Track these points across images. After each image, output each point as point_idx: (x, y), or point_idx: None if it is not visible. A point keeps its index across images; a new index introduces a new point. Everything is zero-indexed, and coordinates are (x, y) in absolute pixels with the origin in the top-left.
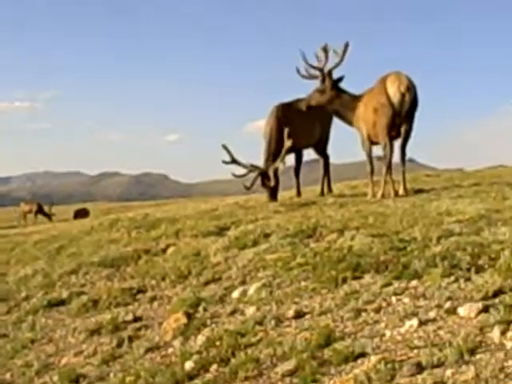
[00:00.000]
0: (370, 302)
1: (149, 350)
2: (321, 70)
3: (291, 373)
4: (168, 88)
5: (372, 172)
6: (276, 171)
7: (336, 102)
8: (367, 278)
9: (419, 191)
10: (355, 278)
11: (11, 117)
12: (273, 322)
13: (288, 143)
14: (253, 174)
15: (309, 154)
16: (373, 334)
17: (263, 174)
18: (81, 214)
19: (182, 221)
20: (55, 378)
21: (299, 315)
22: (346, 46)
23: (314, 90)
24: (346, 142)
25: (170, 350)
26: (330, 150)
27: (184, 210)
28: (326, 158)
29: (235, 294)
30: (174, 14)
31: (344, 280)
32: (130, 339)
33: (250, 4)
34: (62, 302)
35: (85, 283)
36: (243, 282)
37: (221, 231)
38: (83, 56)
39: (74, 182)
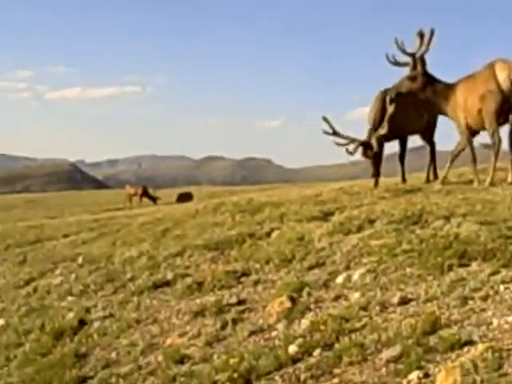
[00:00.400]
0: (476, 289)
1: (252, 332)
2: (413, 55)
3: (396, 359)
4: (273, 74)
5: (475, 160)
6: (380, 141)
7: (428, 89)
8: (474, 266)
9: None
10: (462, 265)
11: (121, 101)
12: (377, 308)
13: (390, 109)
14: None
15: (414, 141)
16: (480, 322)
17: (366, 145)
18: (184, 197)
19: (286, 205)
20: (160, 358)
21: (404, 302)
22: (432, 32)
23: (405, 77)
24: (453, 129)
25: (274, 334)
26: (436, 136)
27: (288, 195)
28: (432, 144)
29: (339, 280)
30: None
31: (450, 267)
32: (234, 322)
33: None
34: (166, 284)
35: (189, 265)
36: (347, 268)
37: (325, 216)
38: (190, 43)
39: (179, 165)
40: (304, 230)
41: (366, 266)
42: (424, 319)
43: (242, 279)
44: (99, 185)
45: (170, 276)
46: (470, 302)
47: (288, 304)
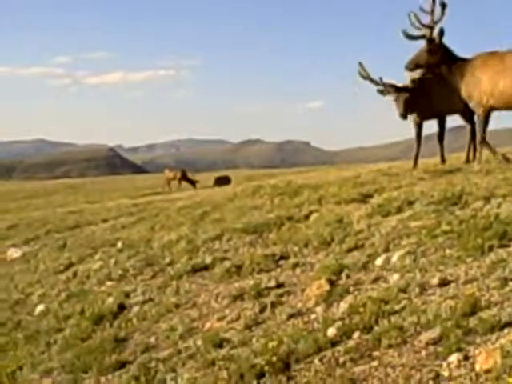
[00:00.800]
0: None
1: (291, 316)
2: (431, 27)
3: (435, 341)
4: (310, 55)
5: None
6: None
7: (445, 64)
8: None
9: None
10: (502, 246)
11: (156, 84)
12: (417, 290)
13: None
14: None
15: (454, 120)
16: None
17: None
18: (222, 181)
19: (325, 188)
20: (199, 342)
21: (444, 283)
22: (443, 5)
23: (422, 49)
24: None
25: (313, 317)
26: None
27: (326, 177)
28: (472, 124)
29: (378, 262)
30: None
31: (490, 248)
32: (273, 305)
33: None
34: (205, 268)
35: (228, 249)
36: (386, 250)
37: (364, 198)
38: (226, 26)
39: (218, 149)
40: (343, 213)
41: (405, 248)
42: (464, 301)
43: (281, 262)
44: (138, 169)
45: (208, 260)
46: (511, 284)
47: (327, 287)
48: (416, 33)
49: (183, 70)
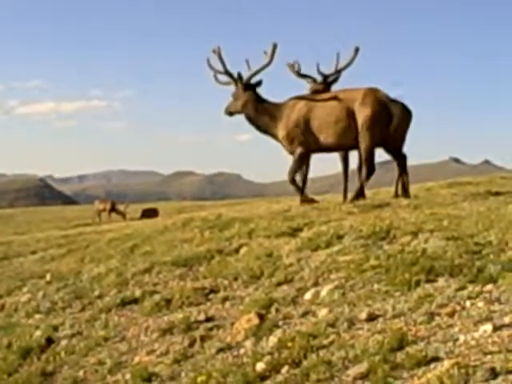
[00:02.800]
0: (443, 305)
1: (220, 350)
2: (226, 72)
3: (363, 376)
4: None
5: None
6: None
7: (251, 107)
8: (441, 282)
9: (496, 194)
10: (429, 281)
11: (88, 115)
12: (345, 325)
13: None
14: None
15: (382, 155)
16: (446, 338)
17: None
18: (149, 213)
19: (255, 221)
20: (128, 377)
21: (372, 318)
22: (275, 46)
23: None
24: (419, 143)
25: (242, 351)
26: (412, 151)
27: (257, 210)
28: (403, 158)
29: (307, 296)
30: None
31: (417, 283)
32: (202, 339)
33: None
34: (134, 301)
35: (158, 282)
36: (316, 284)
37: (294, 232)
38: (157, 56)
39: (149, 180)
40: (272, 246)
41: (334, 282)
42: (391, 335)
43: (211, 296)
44: (68, 200)
45: (138, 293)
46: (437, 318)
47: (256, 321)
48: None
49: (116, 101)
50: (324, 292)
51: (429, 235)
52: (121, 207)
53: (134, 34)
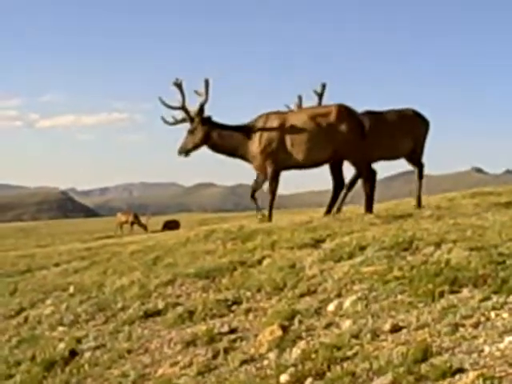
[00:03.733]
0: (467, 316)
1: (244, 362)
2: (183, 107)
3: None
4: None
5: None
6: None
7: (216, 136)
8: (465, 293)
9: None
10: (453, 292)
11: (109, 128)
12: (369, 336)
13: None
14: None
15: (404, 166)
16: (471, 349)
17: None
18: (170, 225)
19: (278, 232)
20: None
21: (396, 329)
22: (207, 82)
23: (187, 132)
24: (441, 154)
25: (265, 363)
26: (433, 161)
27: (279, 222)
28: (420, 167)
29: (331, 307)
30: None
31: (441, 294)
32: (226, 351)
33: None
34: (157, 313)
35: (180, 294)
36: (339, 295)
37: (316, 243)
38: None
39: (170, 192)
40: (295, 258)
41: (357, 293)
42: (415, 347)
43: (234, 307)
44: (90, 213)
45: (161, 305)
46: (461, 329)
47: (279, 332)
48: (180, 117)
49: (137, 113)
50: (347, 303)
51: (452, 246)
52: (142, 219)
53: (153, 45)
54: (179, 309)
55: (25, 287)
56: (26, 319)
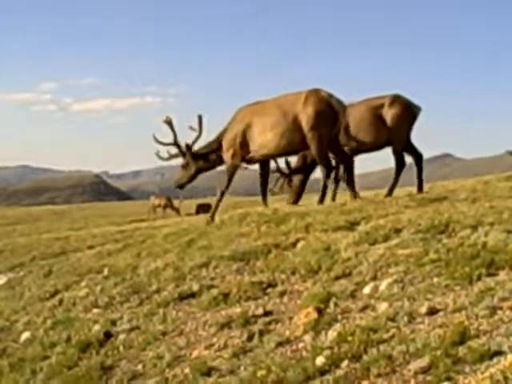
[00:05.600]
0: (505, 299)
1: (279, 344)
2: (175, 143)
3: (424, 370)
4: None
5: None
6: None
7: (203, 163)
8: (502, 275)
9: None
10: (490, 274)
11: (142, 111)
12: (405, 319)
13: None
14: None
15: (436, 149)
16: (509, 332)
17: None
18: (203, 208)
19: (312, 215)
20: (186, 371)
21: (432, 312)
22: (200, 118)
23: (180, 168)
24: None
25: (301, 345)
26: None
27: (313, 205)
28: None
29: (366, 290)
30: None
31: (478, 277)
32: (261, 333)
33: None
34: (192, 295)
35: (215, 277)
36: (374, 278)
37: (351, 226)
38: (209, 52)
39: (202, 175)
40: (330, 240)
41: (393, 276)
42: (452, 330)
43: (268, 290)
44: (123, 196)
45: (195, 287)
46: (499, 312)
47: (315, 315)
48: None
49: (169, 96)
50: (383, 286)
51: (489, 228)
52: (175, 203)
53: (185, 30)
54: (214, 291)
55: (59, 269)
56: (60, 301)
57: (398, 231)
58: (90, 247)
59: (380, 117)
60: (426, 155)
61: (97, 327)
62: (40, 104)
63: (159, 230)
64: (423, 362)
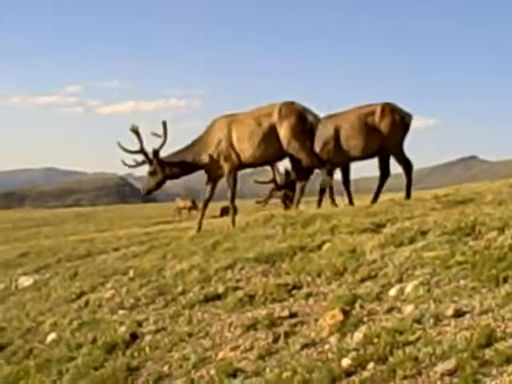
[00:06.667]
0: None
1: (305, 346)
2: (141, 151)
3: (451, 372)
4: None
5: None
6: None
7: (170, 171)
8: None
9: None
10: None
11: (167, 114)
12: (431, 321)
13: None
14: None
15: (463, 152)
16: None
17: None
18: (227, 211)
19: (337, 217)
20: (212, 372)
21: (459, 314)
22: (165, 124)
23: (146, 175)
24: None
25: (327, 347)
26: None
27: (338, 207)
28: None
29: (392, 292)
30: None
31: (505, 279)
32: (286, 335)
33: None
34: (217, 297)
35: (240, 278)
36: (400, 280)
37: (377, 228)
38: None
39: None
40: (355, 242)
41: (418, 279)
42: (479, 332)
43: (294, 292)
44: (147, 198)
45: (221, 289)
46: None
47: (340, 317)
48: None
49: (194, 99)
50: (409, 288)
51: None
52: (200, 205)
53: (210, 32)
54: (239, 293)
55: (85, 271)
56: (86, 303)
57: (423, 233)
58: (116, 249)
59: (371, 125)
60: (451, 158)
61: (123, 328)
62: (66, 106)
63: (184, 231)
64: (450, 364)
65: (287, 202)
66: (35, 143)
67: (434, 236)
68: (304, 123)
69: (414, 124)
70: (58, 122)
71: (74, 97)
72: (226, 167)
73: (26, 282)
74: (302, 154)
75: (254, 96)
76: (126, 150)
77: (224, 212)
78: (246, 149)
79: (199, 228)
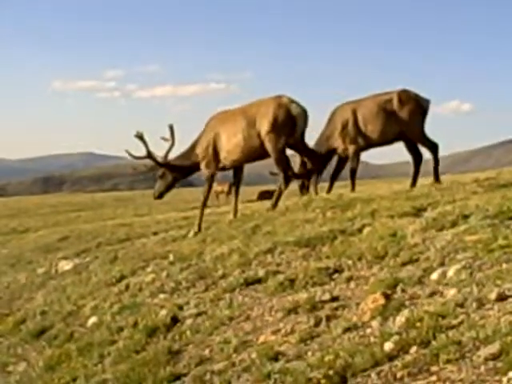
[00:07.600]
0: None
1: (347, 329)
2: (149, 156)
3: (495, 357)
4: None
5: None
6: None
7: (179, 172)
8: None
9: None
10: None
11: (205, 98)
12: (474, 305)
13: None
14: None
15: (506, 135)
16: None
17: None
18: (265, 195)
19: (377, 201)
20: (253, 355)
21: (502, 298)
22: (171, 128)
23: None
24: None
25: (369, 331)
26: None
27: (378, 191)
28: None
29: (434, 276)
30: None
31: None
32: (328, 319)
33: None
34: (258, 281)
35: (280, 262)
36: (442, 264)
37: (417, 212)
38: (274, 40)
39: (262, 162)
40: (396, 226)
41: (461, 262)
42: None
43: (335, 276)
44: (185, 183)
45: (261, 273)
46: None
47: (382, 301)
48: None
49: (233, 83)
50: (451, 272)
51: None
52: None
53: (248, 18)
54: (280, 277)
55: (125, 255)
56: (127, 286)
57: (465, 217)
58: (155, 233)
59: (389, 112)
60: (493, 141)
61: (163, 312)
62: (104, 91)
63: (223, 216)
64: (493, 348)
65: (304, 190)
66: (74, 128)
67: (475, 220)
68: (284, 118)
69: (456, 107)
70: (97, 106)
71: (113, 81)
72: (204, 168)
73: (66, 266)
74: (270, 149)
75: (295, 82)
76: (133, 157)
77: (262, 196)
78: (235, 145)
79: (235, 213)
